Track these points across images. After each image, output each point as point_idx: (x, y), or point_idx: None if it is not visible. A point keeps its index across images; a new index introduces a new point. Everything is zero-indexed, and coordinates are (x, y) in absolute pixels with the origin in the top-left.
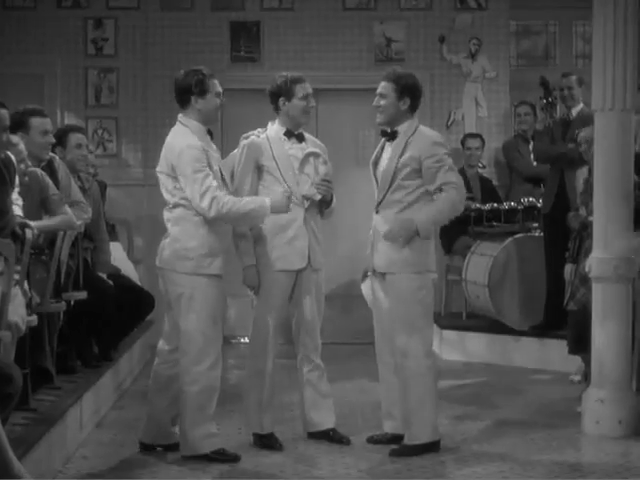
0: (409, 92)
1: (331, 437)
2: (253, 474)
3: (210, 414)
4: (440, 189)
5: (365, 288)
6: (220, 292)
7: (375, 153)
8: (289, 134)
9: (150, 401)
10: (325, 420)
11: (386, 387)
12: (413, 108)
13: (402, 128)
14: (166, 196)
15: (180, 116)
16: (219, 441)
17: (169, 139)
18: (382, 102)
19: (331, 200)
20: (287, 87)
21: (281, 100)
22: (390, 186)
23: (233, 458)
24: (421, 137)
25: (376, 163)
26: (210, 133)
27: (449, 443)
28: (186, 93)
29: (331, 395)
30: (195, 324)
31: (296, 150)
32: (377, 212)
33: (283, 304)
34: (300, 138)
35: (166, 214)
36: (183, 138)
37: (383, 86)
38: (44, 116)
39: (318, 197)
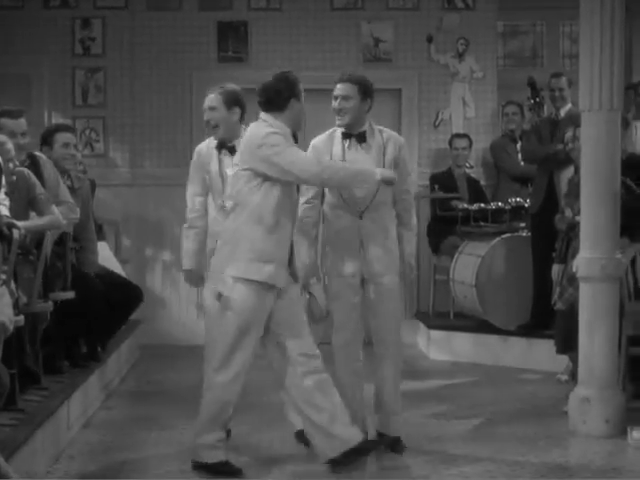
0: (371, 94)
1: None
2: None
3: (219, 425)
4: (402, 198)
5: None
6: (261, 302)
7: (336, 157)
8: (220, 146)
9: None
10: (296, 421)
11: (349, 391)
12: (370, 109)
13: (366, 129)
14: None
15: (267, 116)
16: (222, 453)
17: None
18: (346, 104)
19: None
20: None
21: None
22: (378, 189)
23: (236, 471)
24: (394, 138)
25: None
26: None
27: (437, 443)
28: (281, 95)
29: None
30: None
31: (227, 163)
32: (361, 217)
33: None
34: (232, 151)
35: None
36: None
37: (344, 88)
38: (13, 118)
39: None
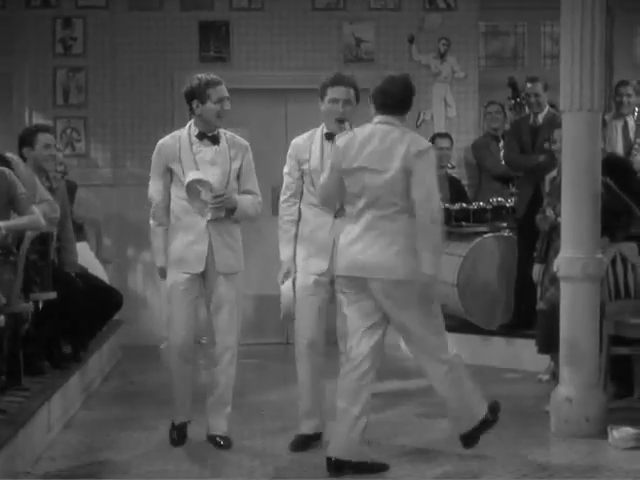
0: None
1: (216, 442)
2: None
3: None
4: None
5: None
6: None
7: (314, 155)
8: (201, 136)
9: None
10: (217, 425)
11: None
12: None
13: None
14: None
15: (394, 119)
16: None
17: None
18: (348, 108)
19: (234, 209)
20: (201, 90)
21: (195, 102)
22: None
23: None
24: None
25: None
26: None
27: (419, 442)
28: (410, 99)
29: (229, 403)
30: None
31: (205, 153)
32: (336, 217)
33: (188, 305)
34: (214, 140)
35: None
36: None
37: (348, 92)
38: None
39: (222, 214)
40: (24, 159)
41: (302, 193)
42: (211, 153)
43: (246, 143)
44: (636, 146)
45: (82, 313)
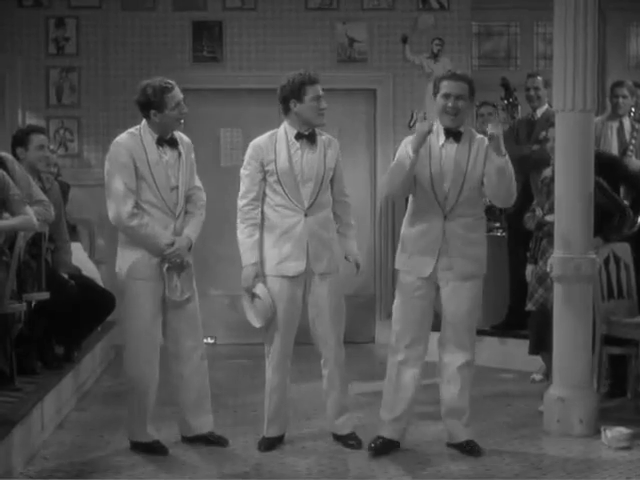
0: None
1: (209, 440)
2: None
3: None
4: (341, 200)
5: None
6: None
7: (281, 156)
8: (160, 142)
9: None
10: (203, 424)
11: (278, 391)
12: None
13: (314, 130)
14: None
15: None
16: None
17: None
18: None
19: (190, 247)
20: (157, 98)
21: (152, 112)
22: (319, 189)
23: None
24: (334, 141)
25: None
26: None
27: (411, 443)
28: None
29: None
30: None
31: (170, 157)
32: (307, 215)
33: (149, 310)
34: (172, 144)
35: None
36: None
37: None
38: None
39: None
40: (18, 159)
41: (265, 195)
42: (173, 158)
43: (189, 141)
44: (631, 147)
45: (75, 314)
